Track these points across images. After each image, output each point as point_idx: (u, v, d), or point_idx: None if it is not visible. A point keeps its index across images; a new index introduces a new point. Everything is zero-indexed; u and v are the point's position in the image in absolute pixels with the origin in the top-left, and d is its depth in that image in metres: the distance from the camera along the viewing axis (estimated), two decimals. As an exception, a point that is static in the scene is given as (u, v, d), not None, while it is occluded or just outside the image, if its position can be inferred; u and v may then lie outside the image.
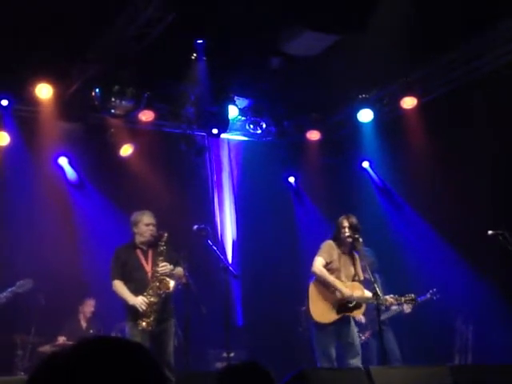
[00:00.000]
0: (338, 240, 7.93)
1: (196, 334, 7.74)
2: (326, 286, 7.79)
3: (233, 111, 10.89)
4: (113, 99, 9.56)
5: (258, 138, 11.87)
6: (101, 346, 1.49)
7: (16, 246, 9.58)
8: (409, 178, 10.69)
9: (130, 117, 10.15)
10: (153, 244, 7.62)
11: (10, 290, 8.42)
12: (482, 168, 9.34)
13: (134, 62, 9.19)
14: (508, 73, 8.93)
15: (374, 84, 10.70)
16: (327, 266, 7.83)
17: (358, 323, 8.80)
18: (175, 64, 9.41)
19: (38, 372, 1.47)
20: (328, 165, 11.85)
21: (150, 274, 7.45)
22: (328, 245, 7.94)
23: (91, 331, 9.58)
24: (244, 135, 11.91)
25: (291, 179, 12.06)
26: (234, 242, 11.70)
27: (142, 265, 7.58)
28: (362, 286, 7.92)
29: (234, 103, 10.86)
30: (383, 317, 9.09)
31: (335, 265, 7.86)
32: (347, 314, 7.77)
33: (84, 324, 9.79)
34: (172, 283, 7.35)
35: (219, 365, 9.53)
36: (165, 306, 7.42)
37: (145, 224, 7.67)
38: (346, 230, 7.83)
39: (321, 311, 7.74)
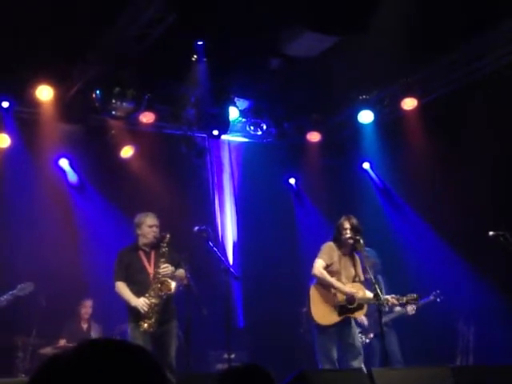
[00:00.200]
0: (339, 241, 7.93)
1: (197, 336, 7.73)
2: (326, 288, 7.80)
3: (233, 113, 10.89)
4: (113, 101, 9.56)
5: (259, 139, 11.87)
6: (102, 349, 1.49)
7: (16, 247, 9.58)
8: (409, 179, 10.69)
9: (131, 118, 10.15)
10: (156, 246, 7.62)
11: (10, 293, 8.42)
12: (482, 169, 9.34)
13: (134, 64, 9.19)
14: (508, 73, 8.93)
15: (375, 85, 10.70)
16: (328, 267, 7.83)
17: (360, 325, 8.81)
18: (176, 65, 9.41)
19: (39, 374, 1.46)
20: (328, 166, 11.85)
21: (152, 276, 7.46)
22: (328, 246, 7.94)
23: (92, 333, 9.57)
24: (244, 136, 11.91)
25: (292, 180, 12.06)
26: (234, 243, 11.70)
27: (144, 267, 7.59)
28: (362, 287, 7.91)
29: (234, 104, 10.86)
30: (386, 318, 9.10)
31: (336, 267, 7.86)
32: (348, 315, 7.77)
33: (84, 326, 9.78)
34: (173, 284, 7.35)
35: (220, 366, 9.53)
36: (166, 307, 7.42)
37: (148, 226, 7.68)
38: (348, 231, 7.82)
39: (322, 313, 7.74)
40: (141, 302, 7.29)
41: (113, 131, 10.34)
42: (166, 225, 7.79)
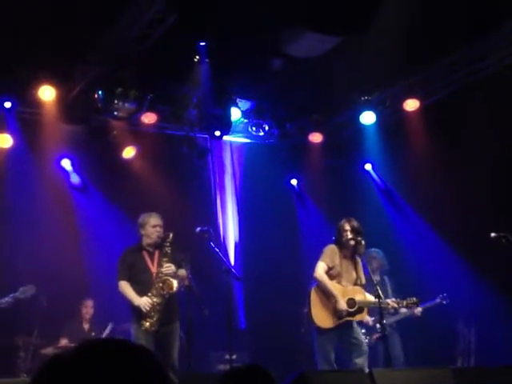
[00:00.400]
0: (340, 244, 7.93)
1: (198, 336, 7.74)
2: (326, 292, 7.80)
3: (235, 113, 10.89)
4: (115, 101, 9.57)
5: (261, 140, 11.87)
6: (103, 348, 1.49)
7: (18, 247, 9.58)
8: (411, 180, 10.68)
9: (133, 119, 10.16)
10: (160, 246, 7.64)
11: (12, 295, 8.42)
12: (483, 169, 9.34)
13: (136, 64, 9.20)
14: (509, 74, 8.92)
15: (377, 86, 10.70)
16: (329, 271, 7.83)
17: (365, 326, 8.81)
18: (178, 66, 9.42)
19: (41, 374, 1.47)
20: (330, 167, 11.84)
21: (154, 275, 7.47)
22: (330, 249, 7.94)
23: (93, 333, 9.57)
24: (246, 137, 11.91)
25: (293, 181, 12.05)
26: (236, 244, 11.70)
27: (147, 267, 7.60)
28: (363, 290, 7.91)
29: (236, 105, 10.87)
30: (391, 320, 9.09)
31: (337, 270, 7.87)
32: (349, 318, 7.76)
33: (86, 326, 9.78)
34: (175, 283, 7.36)
35: (221, 367, 9.52)
36: (169, 306, 7.43)
37: (152, 226, 7.69)
38: (348, 233, 7.82)
39: (322, 316, 7.74)
40: (143, 301, 7.30)
41: (115, 132, 10.35)
42: (168, 225, 7.80)
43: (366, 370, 7.01)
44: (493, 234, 7.36)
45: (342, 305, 7.67)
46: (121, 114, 9.77)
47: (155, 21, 8.25)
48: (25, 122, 9.80)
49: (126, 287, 7.49)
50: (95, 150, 10.34)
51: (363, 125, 11.05)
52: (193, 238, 7.92)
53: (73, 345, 8.07)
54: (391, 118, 11.03)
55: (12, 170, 9.60)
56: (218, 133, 10.76)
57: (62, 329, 9.52)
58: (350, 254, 7.97)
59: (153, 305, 7.31)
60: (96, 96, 9.51)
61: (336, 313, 7.69)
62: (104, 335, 9.33)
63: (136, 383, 1.44)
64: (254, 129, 11.61)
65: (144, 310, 7.27)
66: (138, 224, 7.81)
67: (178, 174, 10.95)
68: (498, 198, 9.23)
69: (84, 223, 10.38)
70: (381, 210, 11.25)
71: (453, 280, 9.52)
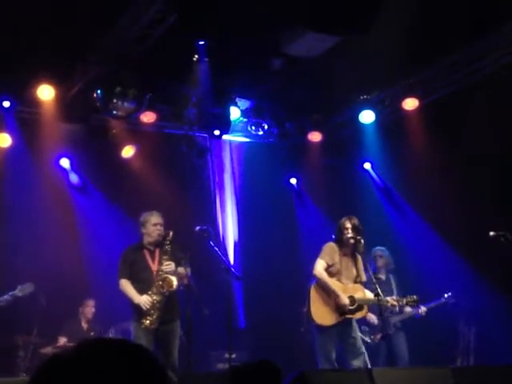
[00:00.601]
0: (340, 241, 7.92)
1: (198, 335, 7.74)
2: (326, 289, 7.79)
3: (234, 112, 10.89)
4: (114, 100, 9.56)
5: (260, 139, 11.87)
6: (102, 348, 1.49)
7: (17, 247, 9.58)
8: (410, 179, 10.69)
9: (132, 118, 10.15)
10: (160, 244, 7.65)
11: (10, 293, 8.42)
12: (482, 169, 9.35)
13: (135, 63, 9.19)
14: (509, 74, 8.93)
15: (376, 85, 10.71)
16: (329, 268, 7.83)
17: (369, 324, 8.81)
18: (177, 65, 9.42)
19: (40, 373, 1.46)
20: (330, 166, 11.85)
21: (155, 274, 7.48)
22: (329, 247, 7.94)
23: (92, 333, 9.57)
24: (246, 136, 11.90)
25: (293, 180, 12.05)
26: (235, 243, 11.70)
27: (148, 265, 7.61)
28: (363, 288, 7.91)
29: (235, 104, 10.87)
30: (396, 319, 9.09)
31: (336, 267, 7.86)
32: (349, 316, 7.76)
33: (85, 325, 9.78)
34: (175, 281, 7.36)
35: (221, 366, 9.54)
36: (169, 305, 7.43)
37: (152, 224, 7.70)
38: (349, 231, 7.82)
39: (322, 313, 7.74)
40: (143, 299, 7.31)
41: (114, 131, 10.34)
42: (168, 224, 7.80)
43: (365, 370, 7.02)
44: (492, 233, 7.37)
45: (344, 299, 7.67)
46: (120, 113, 9.76)
47: (155, 21, 8.25)
48: (24, 121, 9.79)
49: (126, 285, 7.50)
50: (94, 149, 10.34)
51: (362, 124, 11.06)
52: (192, 237, 7.92)
53: (72, 344, 8.11)
54: (390, 118, 11.03)
55: (11, 169, 9.60)
56: (217, 132, 10.76)
57: (61, 328, 9.52)
58: (349, 251, 7.97)
59: (153, 303, 7.31)
60: (95, 95, 9.50)
61: (338, 308, 7.69)
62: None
63: (135, 383, 1.44)
64: (253, 128, 11.61)
65: (144, 308, 7.28)
66: (139, 222, 7.82)
67: (178, 173, 10.96)
68: (497, 197, 9.23)
69: (83, 222, 10.38)
70: (380, 209, 11.26)
71: (452, 279, 9.53)
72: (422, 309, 9.08)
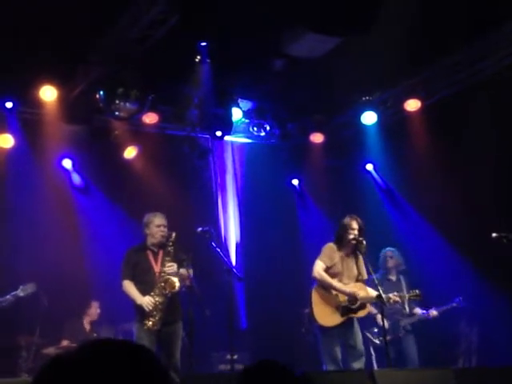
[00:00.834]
0: (341, 241, 7.91)
1: (200, 337, 7.73)
2: (328, 290, 7.80)
3: (236, 113, 10.90)
4: (117, 101, 9.56)
5: (262, 140, 11.87)
6: (105, 349, 1.49)
7: (19, 247, 9.59)
8: (412, 180, 10.68)
9: (134, 119, 10.15)
10: (163, 245, 7.64)
11: (12, 293, 8.42)
12: (485, 169, 9.34)
13: (137, 64, 9.20)
14: (511, 74, 8.92)
15: (378, 86, 10.70)
16: (329, 269, 7.83)
17: (378, 326, 8.79)
18: (179, 66, 9.42)
19: (42, 374, 1.47)
20: (331, 167, 11.84)
21: (158, 275, 7.48)
22: (329, 248, 7.94)
23: (94, 334, 9.57)
24: (248, 137, 11.90)
25: (295, 181, 12.04)
26: (237, 244, 11.70)
27: (151, 266, 7.61)
28: (364, 287, 7.90)
29: (237, 105, 10.88)
30: (406, 322, 9.08)
31: (337, 268, 7.86)
32: (351, 315, 7.76)
33: (87, 327, 9.78)
34: (177, 283, 7.36)
35: (223, 367, 9.54)
36: (172, 306, 7.43)
37: (156, 225, 7.70)
38: (355, 231, 7.81)
39: (325, 314, 7.74)
40: (145, 301, 7.31)
41: (116, 132, 10.35)
42: (169, 225, 7.80)
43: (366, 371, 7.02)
44: (494, 234, 7.37)
45: (349, 289, 7.67)
46: (122, 114, 9.76)
47: (156, 21, 8.25)
48: (26, 122, 9.80)
49: (129, 287, 7.50)
50: (96, 150, 10.35)
51: (364, 125, 11.05)
52: (194, 238, 7.91)
53: (74, 345, 8.12)
54: (392, 118, 11.03)
55: (13, 170, 9.61)
56: (219, 133, 10.77)
57: (64, 329, 9.52)
58: (350, 250, 7.96)
59: (155, 304, 7.32)
60: (97, 96, 9.51)
61: (341, 308, 7.68)
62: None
63: (137, 383, 1.44)
64: (255, 129, 11.61)
65: (146, 309, 7.28)
66: (143, 223, 7.82)
67: (180, 174, 10.96)
68: (500, 198, 9.22)
69: (85, 223, 10.38)
70: (382, 210, 11.25)
71: (455, 280, 9.52)
72: (433, 313, 9.07)
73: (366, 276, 7.96)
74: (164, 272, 7.43)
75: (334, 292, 7.77)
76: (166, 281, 7.39)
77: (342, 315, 7.71)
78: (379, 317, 8.65)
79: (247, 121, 11.49)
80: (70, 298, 9.64)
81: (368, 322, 8.49)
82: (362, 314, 7.91)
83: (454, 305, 9.13)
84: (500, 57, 9.24)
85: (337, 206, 10.70)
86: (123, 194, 10.44)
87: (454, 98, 9.94)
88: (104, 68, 9.23)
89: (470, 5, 7.98)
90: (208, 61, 9.48)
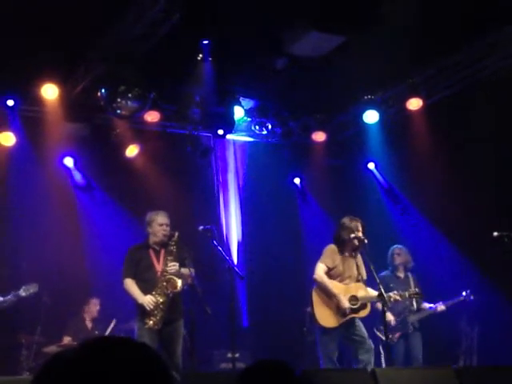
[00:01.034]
0: (343, 242, 7.91)
1: (201, 335, 7.74)
2: (327, 293, 7.80)
3: (238, 112, 10.89)
4: (118, 100, 9.55)
5: (264, 138, 11.86)
6: (106, 347, 1.49)
7: (21, 245, 9.60)
8: (414, 179, 10.68)
9: (136, 117, 10.15)
10: (166, 244, 7.63)
11: (14, 293, 8.42)
12: (487, 169, 9.34)
13: (139, 63, 9.19)
14: (511, 74, 8.93)
15: (380, 85, 10.69)
16: (331, 271, 7.83)
17: (387, 325, 8.78)
18: (181, 65, 9.42)
19: (43, 372, 1.47)
20: (333, 166, 11.85)
21: (159, 274, 7.47)
22: (330, 250, 7.94)
23: (96, 332, 9.57)
24: (249, 136, 11.90)
25: (297, 180, 12.04)
26: (239, 242, 11.70)
27: (153, 264, 7.59)
28: (364, 286, 7.90)
29: (239, 104, 10.86)
30: (414, 318, 9.07)
31: (339, 269, 7.87)
32: (353, 315, 7.76)
33: (89, 324, 9.78)
34: (179, 283, 7.35)
35: (224, 365, 9.54)
36: (173, 305, 7.42)
37: (158, 224, 7.68)
38: (360, 233, 7.80)
39: (326, 316, 7.73)
40: (147, 300, 7.30)
41: (118, 130, 10.35)
42: (171, 224, 7.79)
43: (370, 367, 7.01)
44: (495, 234, 7.38)
45: (345, 303, 7.68)
46: (124, 113, 9.75)
47: (158, 20, 8.25)
48: (27, 120, 9.80)
49: (131, 285, 7.49)
50: (98, 148, 10.35)
51: (366, 124, 11.05)
52: (196, 237, 7.92)
53: (76, 343, 8.10)
54: (394, 117, 11.03)
55: (15, 168, 9.62)
56: (221, 131, 10.76)
57: (65, 327, 9.53)
58: (350, 250, 7.95)
59: (156, 303, 7.31)
60: (99, 94, 9.51)
61: (339, 311, 7.70)
62: (108, 331, 9.36)
63: (139, 381, 1.44)
64: (257, 127, 11.60)
65: (148, 309, 7.27)
66: (145, 222, 7.79)
67: (181, 173, 10.95)
68: (501, 198, 9.22)
69: (87, 221, 10.39)
70: (384, 209, 11.25)
71: (455, 279, 9.52)
72: (441, 307, 9.05)
73: (365, 276, 7.95)
74: (166, 272, 7.41)
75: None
76: (168, 281, 7.38)
77: (344, 315, 7.71)
78: (388, 315, 8.69)
79: (249, 119, 11.48)
80: (72, 296, 9.65)
81: (377, 319, 8.47)
82: (363, 314, 7.90)
83: (461, 298, 9.10)
84: (501, 56, 9.23)
85: (338, 205, 10.70)
86: (125, 192, 10.44)
87: (455, 97, 9.94)
88: (105, 66, 9.23)
89: (471, 5, 7.98)
90: (210, 59, 9.47)
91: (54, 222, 9.84)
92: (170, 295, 7.36)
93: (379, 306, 7.62)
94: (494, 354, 8.87)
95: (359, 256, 8.00)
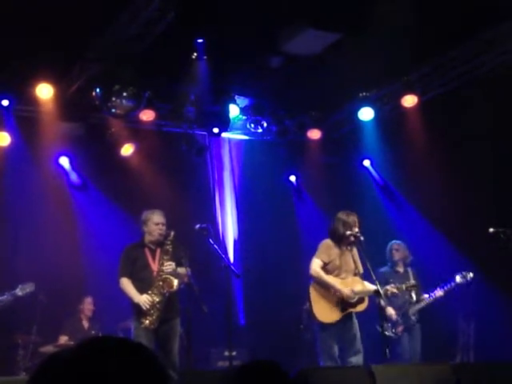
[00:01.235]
0: (340, 237, 7.90)
1: (198, 333, 7.74)
2: (325, 287, 7.79)
3: (233, 110, 10.89)
4: (113, 99, 9.54)
5: (259, 136, 11.87)
6: (102, 346, 1.49)
7: (17, 246, 9.60)
8: (410, 176, 10.70)
9: (131, 116, 10.14)
10: (162, 243, 7.61)
11: (12, 292, 8.41)
12: (483, 166, 9.35)
13: (134, 61, 9.18)
14: (507, 71, 8.93)
15: (375, 82, 10.70)
16: (327, 265, 7.82)
17: (389, 319, 8.79)
18: (176, 63, 9.40)
19: (39, 372, 1.47)
20: (329, 163, 11.86)
21: (155, 273, 7.46)
22: (325, 245, 7.93)
23: (93, 332, 9.57)
24: (245, 134, 11.90)
25: (292, 178, 12.05)
26: (235, 241, 11.71)
27: (148, 264, 7.58)
28: (361, 280, 7.89)
29: (234, 102, 10.86)
30: (415, 308, 9.06)
31: (335, 263, 7.85)
32: (351, 309, 7.76)
33: (86, 324, 9.78)
34: (176, 282, 7.34)
35: (221, 363, 9.54)
36: (169, 304, 7.42)
37: (154, 223, 7.66)
38: (356, 229, 7.80)
39: (325, 311, 7.73)
40: (143, 299, 7.30)
41: (113, 129, 10.34)
42: (167, 222, 7.78)
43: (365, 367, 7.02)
44: (491, 230, 7.38)
45: (346, 291, 7.67)
46: (119, 112, 9.73)
47: (153, 19, 8.23)
48: (22, 119, 9.79)
49: (127, 285, 7.48)
50: (93, 147, 10.34)
51: (362, 121, 11.06)
52: (192, 235, 7.91)
53: (72, 343, 8.11)
54: (389, 114, 11.04)
55: (10, 168, 9.60)
56: (216, 130, 10.76)
57: (62, 327, 9.52)
58: (346, 245, 7.95)
59: (153, 303, 7.30)
60: (94, 93, 9.49)
61: (339, 304, 7.69)
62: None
63: (136, 381, 1.44)
64: (252, 126, 11.60)
65: (144, 308, 7.27)
66: (141, 220, 7.78)
67: (177, 172, 10.95)
68: (497, 194, 9.24)
69: (82, 220, 10.39)
70: (379, 206, 11.26)
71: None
72: (439, 293, 9.03)
73: (362, 270, 7.94)
74: (162, 271, 7.40)
75: (331, 289, 7.77)
76: (165, 280, 7.36)
77: (342, 310, 7.71)
78: (389, 309, 8.72)
79: (244, 117, 11.48)
80: (68, 295, 9.65)
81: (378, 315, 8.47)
82: (360, 308, 7.89)
83: (458, 281, 9.08)
84: (496, 53, 9.23)
85: (334, 202, 10.69)
86: (120, 191, 10.44)
87: (450, 94, 9.95)
88: (100, 65, 9.22)
89: (468, 1, 7.98)
90: (205, 58, 9.46)
91: (50, 221, 9.83)
92: (166, 294, 7.35)
93: (380, 302, 7.62)
94: (490, 350, 8.89)
95: (355, 249, 7.99)
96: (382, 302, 7.59)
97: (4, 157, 9.67)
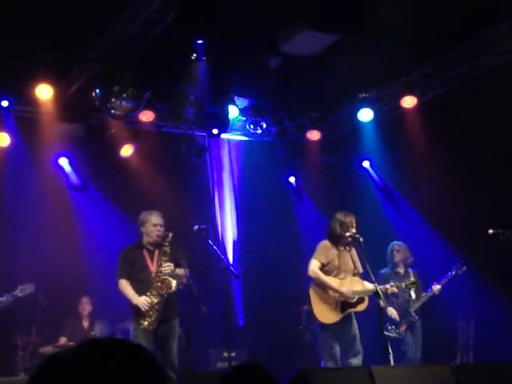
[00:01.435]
0: (338, 238, 7.90)
1: (197, 334, 7.74)
2: (324, 288, 7.79)
3: (233, 111, 10.89)
4: (113, 100, 9.53)
5: (259, 137, 11.87)
6: (102, 348, 1.49)
7: (17, 247, 9.59)
8: (409, 177, 10.70)
9: (130, 117, 10.13)
10: (160, 244, 7.60)
11: (10, 293, 8.41)
12: (482, 167, 9.35)
13: (133, 62, 9.18)
14: (507, 72, 8.93)
15: (374, 83, 10.70)
16: (325, 266, 7.82)
17: (390, 319, 8.80)
18: (175, 64, 9.41)
19: (38, 373, 1.46)
20: (328, 164, 11.85)
21: (154, 275, 7.45)
22: (323, 246, 7.93)
23: (92, 333, 9.56)
24: (244, 135, 11.90)
25: (291, 179, 12.05)
26: (234, 242, 11.70)
27: (147, 265, 7.57)
28: (361, 280, 7.89)
29: (234, 103, 10.86)
30: (416, 305, 9.06)
31: (334, 264, 7.85)
32: (351, 310, 7.76)
33: (86, 324, 9.78)
34: (174, 283, 7.33)
35: (220, 364, 9.54)
36: (168, 305, 7.41)
37: (152, 224, 7.65)
38: (354, 230, 7.80)
39: (325, 312, 7.73)
40: (141, 301, 7.29)
41: (112, 130, 10.34)
42: (166, 223, 7.78)
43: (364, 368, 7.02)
44: (491, 231, 7.38)
45: (345, 290, 7.68)
46: (118, 113, 9.73)
47: (153, 19, 8.23)
48: (22, 120, 9.78)
49: (126, 286, 7.47)
50: (93, 148, 10.34)
51: (361, 122, 11.06)
52: (191, 236, 7.90)
53: (72, 343, 8.11)
54: (389, 115, 11.03)
55: (9, 168, 9.60)
56: (215, 131, 10.76)
57: (61, 327, 9.52)
58: (344, 245, 7.94)
59: (151, 304, 7.29)
60: (93, 94, 9.49)
61: (339, 304, 7.69)
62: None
63: (135, 382, 1.44)
64: (251, 126, 11.60)
65: (142, 309, 7.26)
66: (139, 222, 7.76)
67: (176, 173, 10.95)
68: (497, 195, 9.24)
69: (82, 221, 10.38)
70: (379, 207, 11.26)
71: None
72: (437, 287, 9.02)
73: (361, 269, 7.94)
74: (161, 272, 7.39)
75: (330, 289, 7.78)
76: (163, 281, 7.35)
77: (342, 311, 7.71)
78: (390, 309, 8.73)
79: (244, 118, 11.48)
80: (68, 297, 9.64)
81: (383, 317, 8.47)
82: (361, 308, 7.89)
83: (454, 273, 9.09)
84: (496, 54, 9.24)
85: (334, 203, 10.68)
86: (120, 192, 10.44)
87: (450, 95, 9.95)
88: (100, 66, 9.22)
89: (466, 2, 7.98)
90: (204, 58, 9.47)
91: (50, 222, 9.83)
92: (165, 296, 7.34)
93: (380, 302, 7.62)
94: (490, 351, 8.89)
95: (353, 250, 7.99)
96: (382, 303, 7.58)
97: (3, 157, 9.67)
